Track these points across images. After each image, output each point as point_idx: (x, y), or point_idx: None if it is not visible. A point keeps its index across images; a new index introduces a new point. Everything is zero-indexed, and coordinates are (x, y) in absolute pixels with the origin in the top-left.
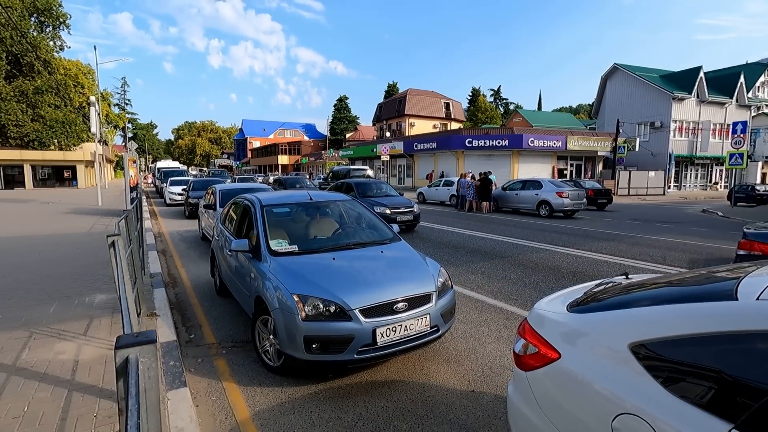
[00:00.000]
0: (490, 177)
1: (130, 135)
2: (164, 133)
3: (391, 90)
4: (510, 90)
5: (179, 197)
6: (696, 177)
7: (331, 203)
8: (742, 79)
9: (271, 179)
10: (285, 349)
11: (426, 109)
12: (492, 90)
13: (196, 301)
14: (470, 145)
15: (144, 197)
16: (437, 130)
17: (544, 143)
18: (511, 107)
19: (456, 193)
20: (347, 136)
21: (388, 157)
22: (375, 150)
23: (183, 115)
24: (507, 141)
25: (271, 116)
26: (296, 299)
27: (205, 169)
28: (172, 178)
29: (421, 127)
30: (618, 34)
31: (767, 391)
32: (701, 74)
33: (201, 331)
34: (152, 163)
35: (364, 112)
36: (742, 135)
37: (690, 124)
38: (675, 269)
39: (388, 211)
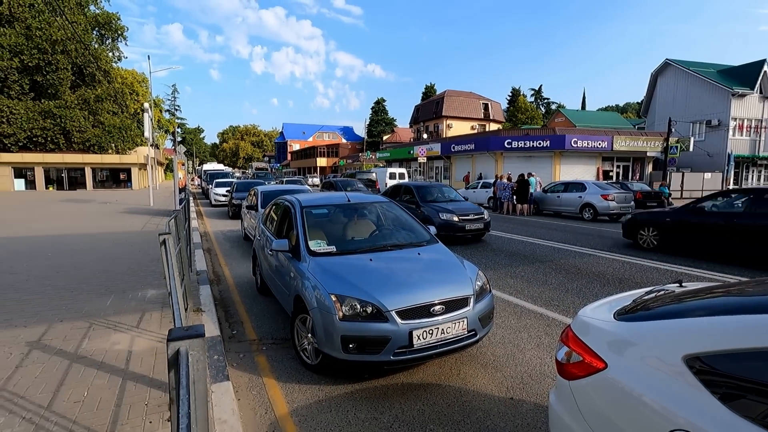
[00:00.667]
0: (530, 179)
1: (179, 139)
2: (210, 137)
3: (428, 91)
4: (552, 90)
5: (224, 198)
6: (759, 179)
7: (368, 205)
8: None
9: (314, 181)
10: (323, 347)
11: (464, 111)
12: (532, 90)
13: (239, 298)
14: (509, 146)
15: (191, 198)
16: (475, 131)
17: (588, 144)
18: (553, 107)
19: (493, 195)
20: (384, 138)
21: (425, 158)
22: (412, 152)
23: (227, 119)
24: (548, 142)
25: (311, 119)
26: (334, 299)
27: (247, 171)
28: (217, 180)
29: (459, 128)
30: (670, 28)
31: None
32: (765, 68)
33: (243, 327)
34: (199, 165)
35: (402, 115)
36: None
37: (752, 122)
38: (734, 278)
39: (455, 219)
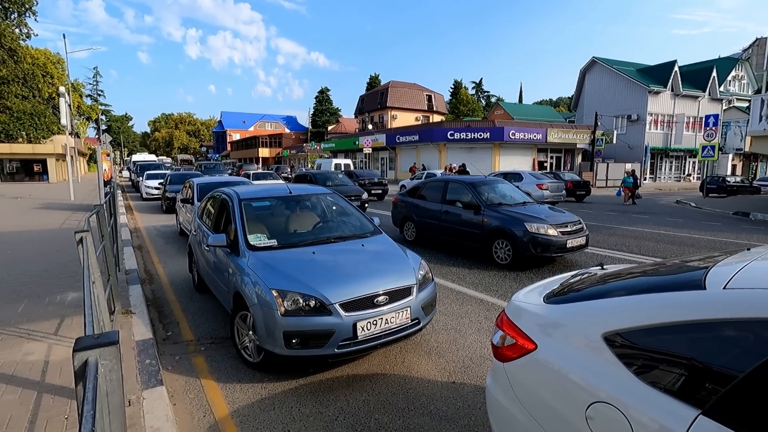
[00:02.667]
0: (467, 169)
1: (103, 127)
2: (140, 126)
3: (373, 82)
4: (491, 83)
5: (156, 191)
6: (671, 169)
7: (311, 196)
8: (714, 74)
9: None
10: (264, 344)
11: (408, 102)
12: (474, 82)
13: (174, 297)
14: (452, 137)
15: (119, 191)
16: (419, 122)
17: (524, 136)
18: (493, 100)
19: None
20: (329, 128)
21: (371, 149)
22: (357, 143)
23: (160, 107)
24: (488, 133)
25: (252, 108)
26: (275, 294)
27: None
28: (149, 172)
29: (404, 119)
30: (598, 27)
31: (733, 377)
32: (676, 68)
33: (179, 328)
34: (128, 156)
35: (347, 105)
36: (713, 128)
37: (665, 117)
38: (650, 259)
39: (552, 232)
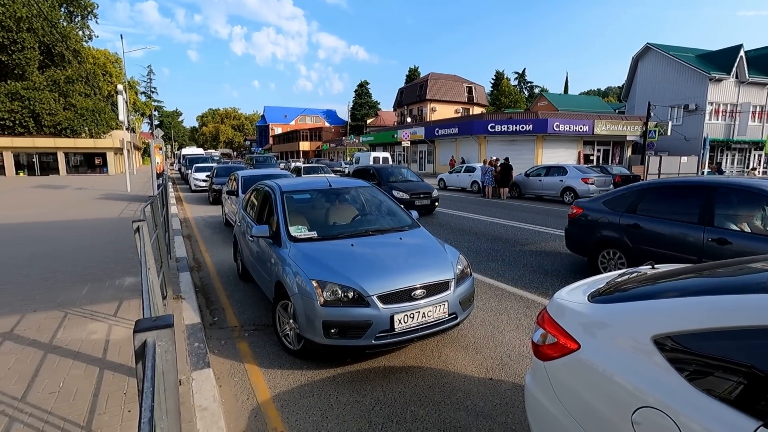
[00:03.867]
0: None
1: (156, 122)
2: (189, 120)
3: (412, 74)
4: (535, 73)
5: (204, 183)
6: (733, 162)
7: (350, 189)
8: None
9: (347, 169)
10: (304, 333)
11: (448, 94)
12: (516, 73)
13: (220, 285)
14: (492, 130)
15: (170, 183)
16: (459, 115)
17: (569, 128)
18: (536, 91)
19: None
20: (368, 121)
21: (409, 142)
22: (396, 136)
23: (207, 102)
24: (531, 126)
25: (293, 103)
26: (315, 285)
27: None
28: (197, 165)
29: (443, 112)
30: (654, 12)
31: None
32: (741, 53)
33: (224, 314)
34: (178, 149)
35: (386, 98)
36: None
37: (728, 107)
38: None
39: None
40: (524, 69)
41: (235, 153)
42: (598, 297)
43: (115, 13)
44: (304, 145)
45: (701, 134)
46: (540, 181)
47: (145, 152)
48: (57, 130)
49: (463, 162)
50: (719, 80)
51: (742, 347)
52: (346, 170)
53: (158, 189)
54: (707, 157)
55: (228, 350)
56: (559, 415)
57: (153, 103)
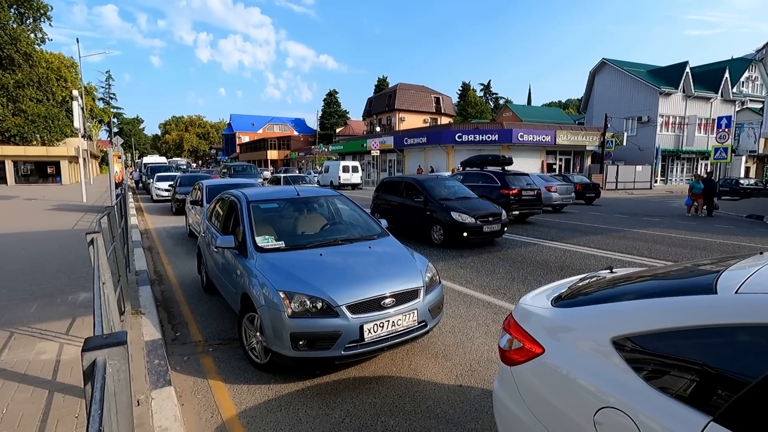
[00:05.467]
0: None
1: (115, 130)
2: (151, 128)
3: (381, 84)
4: (500, 85)
5: (166, 193)
6: (682, 171)
7: (318, 199)
8: (727, 75)
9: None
10: (271, 346)
11: (416, 104)
12: (482, 84)
13: (183, 298)
14: (460, 139)
15: (130, 193)
16: (427, 124)
17: (533, 138)
18: (501, 102)
19: None
20: (337, 130)
21: (379, 151)
22: (365, 145)
23: (170, 109)
24: (497, 135)
25: (261, 111)
26: (282, 296)
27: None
28: (159, 174)
29: (411, 121)
30: (610, 28)
31: (746, 384)
32: (687, 69)
33: (187, 328)
34: (139, 158)
35: (355, 107)
36: (726, 129)
37: (676, 119)
38: (660, 262)
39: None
40: (489, 81)
41: (200, 162)
42: (560, 301)
43: (71, 17)
44: (272, 154)
45: (654, 145)
46: None
47: (103, 161)
48: (5, 137)
49: (432, 171)
50: (668, 94)
51: (691, 346)
52: (317, 180)
53: (117, 199)
54: (659, 166)
55: (191, 366)
56: (526, 419)
57: (112, 109)
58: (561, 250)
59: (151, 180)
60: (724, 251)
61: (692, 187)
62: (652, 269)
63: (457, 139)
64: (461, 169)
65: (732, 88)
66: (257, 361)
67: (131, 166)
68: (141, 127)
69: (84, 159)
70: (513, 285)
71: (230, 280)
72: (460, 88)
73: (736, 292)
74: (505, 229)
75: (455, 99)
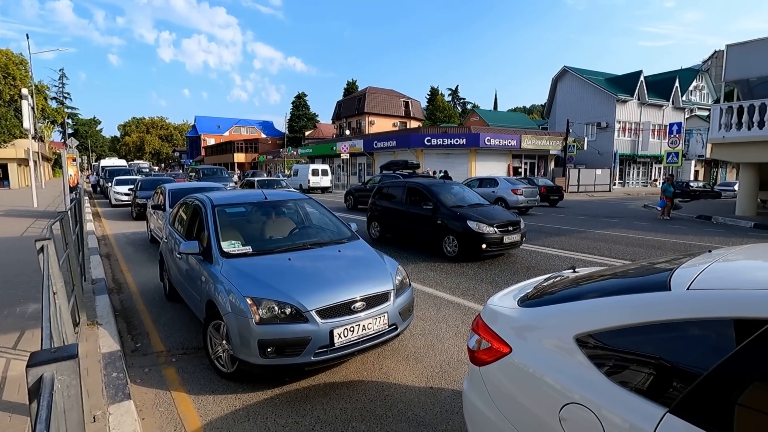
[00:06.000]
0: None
1: (70, 131)
2: (110, 130)
3: (350, 88)
4: (467, 90)
5: (126, 197)
6: (638, 174)
7: (287, 202)
8: (677, 84)
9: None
10: (238, 354)
11: (385, 108)
12: (450, 89)
13: (144, 307)
14: (429, 143)
15: (87, 197)
16: (397, 128)
17: (499, 142)
18: (469, 106)
19: None
20: (306, 133)
21: (348, 155)
22: (335, 148)
23: (131, 110)
24: (465, 140)
25: (227, 113)
26: (250, 302)
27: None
28: (118, 177)
29: (381, 125)
30: (572, 37)
31: (697, 375)
32: (641, 78)
33: (149, 338)
34: (96, 161)
35: (324, 110)
36: (677, 135)
37: (632, 125)
38: (620, 261)
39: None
40: (457, 86)
41: (164, 165)
42: (526, 301)
43: (20, 11)
44: (239, 157)
45: (612, 149)
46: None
47: (57, 164)
48: None
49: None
50: (625, 101)
51: (648, 341)
52: (299, 185)
53: (71, 204)
54: (617, 169)
55: (152, 378)
56: (495, 418)
57: (66, 109)
58: (527, 251)
59: (110, 184)
60: (677, 250)
61: (665, 190)
62: (612, 268)
63: (426, 142)
64: (381, 172)
65: (682, 96)
66: (224, 370)
67: (88, 169)
68: (98, 128)
69: (35, 162)
70: (482, 286)
71: (194, 287)
72: (429, 93)
73: (687, 289)
74: (523, 238)
75: (424, 103)
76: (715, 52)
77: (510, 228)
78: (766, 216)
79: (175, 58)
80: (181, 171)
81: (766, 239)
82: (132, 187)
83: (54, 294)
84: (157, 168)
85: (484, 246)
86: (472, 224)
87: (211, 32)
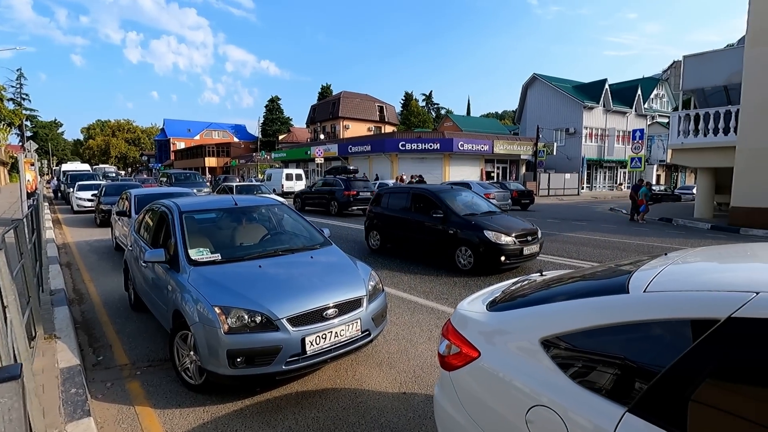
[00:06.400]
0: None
1: (28, 134)
2: (73, 133)
3: (324, 92)
4: (441, 95)
5: (89, 203)
6: (604, 178)
7: (258, 208)
8: (639, 92)
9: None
10: (207, 365)
11: (360, 112)
12: (424, 95)
13: (107, 318)
14: (403, 148)
15: (46, 203)
16: (371, 133)
17: (473, 147)
18: (443, 112)
19: None
20: (280, 137)
21: (323, 159)
22: (309, 152)
23: (95, 113)
24: (438, 144)
25: (198, 116)
26: (218, 311)
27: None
28: (81, 183)
29: (356, 129)
30: (542, 46)
31: (654, 374)
32: (606, 86)
33: (111, 351)
34: (57, 165)
35: (298, 114)
36: (640, 141)
37: (598, 131)
38: (587, 263)
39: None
40: (431, 91)
41: (130, 169)
42: (495, 306)
43: None
44: (211, 161)
45: (580, 154)
46: None
47: (14, 168)
48: None
49: (377, 179)
50: (591, 108)
51: (609, 343)
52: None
53: (28, 210)
54: (585, 174)
55: (115, 393)
56: (465, 422)
57: (24, 111)
58: None
59: (72, 189)
60: (640, 251)
61: (646, 194)
62: (577, 271)
63: (400, 147)
64: (325, 176)
65: (644, 104)
66: (191, 382)
67: (48, 174)
68: (60, 131)
69: None
70: (455, 290)
71: (161, 296)
72: (404, 98)
73: (644, 291)
74: (541, 247)
75: (399, 108)
76: (674, 62)
77: (529, 238)
78: (722, 218)
79: (143, 59)
80: (146, 175)
81: (721, 240)
82: (95, 192)
83: (5, 308)
84: (123, 173)
85: (503, 258)
86: (489, 234)
87: (181, 33)
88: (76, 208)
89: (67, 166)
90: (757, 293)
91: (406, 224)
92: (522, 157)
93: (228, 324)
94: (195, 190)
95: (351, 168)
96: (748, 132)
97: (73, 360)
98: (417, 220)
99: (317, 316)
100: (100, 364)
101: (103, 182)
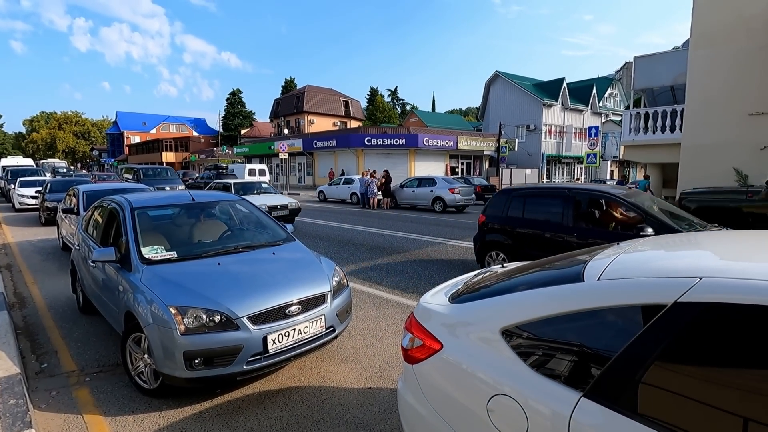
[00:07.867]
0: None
1: None
2: (13, 125)
3: (288, 86)
4: (406, 90)
5: (33, 201)
6: (563, 174)
7: (217, 203)
8: (594, 91)
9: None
10: (162, 368)
11: (325, 107)
12: (389, 90)
13: (53, 323)
14: (369, 143)
15: None
16: (337, 128)
17: (437, 143)
18: (408, 107)
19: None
20: (242, 132)
21: (287, 154)
22: (273, 147)
23: (39, 104)
24: (404, 140)
25: (154, 109)
26: (173, 311)
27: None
28: (23, 179)
29: (321, 124)
30: (502, 44)
31: (606, 359)
32: (564, 84)
33: (57, 357)
34: None
35: (261, 108)
36: (595, 138)
37: (557, 128)
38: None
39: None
40: (396, 87)
41: (80, 164)
42: (457, 298)
43: None
44: (168, 156)
45: (540, 150)
46: (413, 191)
47: None
48: None
49: (343, 174)
50: (550, 105)
51: (565, 330)
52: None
53: None
54: (545, 169)
55: (61, 402)
56: (427, 414)
57: None
58: (464, 248)
59: (13, 186)
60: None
61: (645, 186)
62: (536, 262)
63: (366, 142)
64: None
65: (599, 102)
66: (146, 386)
67: None
68: None
69: None
70: (421, 284)
71: (111, 297)
72: (369, 93)
73: (598, 279)
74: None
75: (364, 103)
76: (626, 63)
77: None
78: None
79: (92, 47)
80: (100, 171)
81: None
82: (39, 189)
83: None
84: (74, 168)
85: None
86: None
87: (134, 21)
88: (18, 206)
89: (7, 161)
90: (701, 278)
91: (565, 245)
92: (485, 152)
93: (184, 324)
94: (168, 188)
95: (222, 165)
96: (691, 130)
97: (13, 368)
98: (592, 236)
99: (279, 313)
100: (44, 372)
101: (48, 178)
